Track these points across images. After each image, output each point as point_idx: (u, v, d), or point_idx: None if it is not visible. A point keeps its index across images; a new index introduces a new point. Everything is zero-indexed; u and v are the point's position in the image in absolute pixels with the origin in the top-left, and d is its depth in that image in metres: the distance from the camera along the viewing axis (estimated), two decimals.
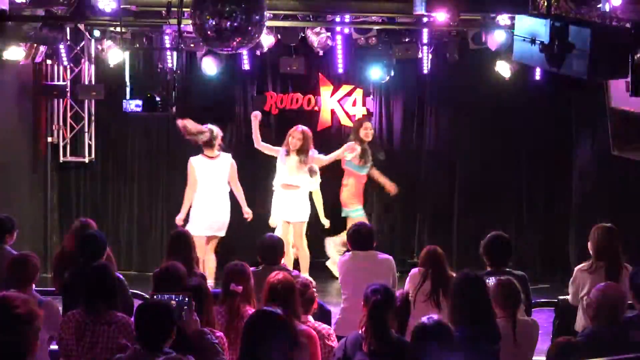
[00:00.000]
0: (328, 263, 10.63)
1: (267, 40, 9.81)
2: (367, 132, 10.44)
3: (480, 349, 4.99)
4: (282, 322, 4.32)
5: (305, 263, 9.76)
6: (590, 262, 6.69)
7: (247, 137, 10.31)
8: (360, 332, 5.06)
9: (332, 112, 11.38)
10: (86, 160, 11.31)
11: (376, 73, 10.44)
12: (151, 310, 4.61)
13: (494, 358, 5.08)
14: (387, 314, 5.08)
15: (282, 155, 9.82)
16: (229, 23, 6.62)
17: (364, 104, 11.37)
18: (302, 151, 9.71)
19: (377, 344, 4.89)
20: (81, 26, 9.44)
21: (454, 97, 11.18)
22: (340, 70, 10.89)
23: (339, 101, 11.37)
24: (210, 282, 9.28)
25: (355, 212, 10.38)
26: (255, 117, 9.88)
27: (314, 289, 5.92)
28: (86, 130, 11.28)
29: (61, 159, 11.27)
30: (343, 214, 10.49)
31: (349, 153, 10.20)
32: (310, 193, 10.02)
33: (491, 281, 5.79)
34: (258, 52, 10.28)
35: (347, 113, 11.36)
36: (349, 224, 9.30)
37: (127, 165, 11.51)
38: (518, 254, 8.85)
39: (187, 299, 4.82)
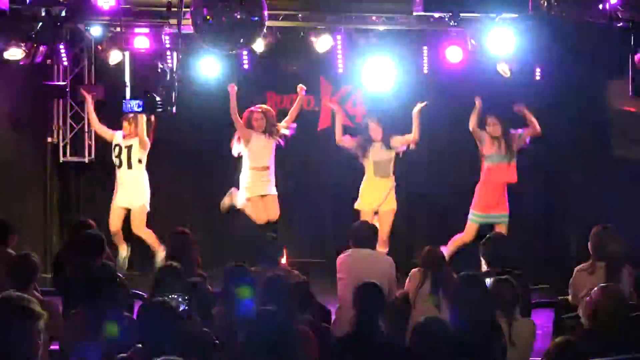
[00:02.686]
0: None
1: (266, 40, 9.81)
2: (492, 128, 10.03)
3: (480, 349, 4.99)
4: (277, 322, 4.33)
5: None
6: (590, 262, 6.70)
7: None
8: (350, 331, 5.06)
9: (332, 112, 11.35)
10: (86, 160, 11.29)
11: (376, 73, 10.42)
12: (153, 310, 4.61)
13: (494, 359, 5.09)
14: (376, 313, 5.06)
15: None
16: (229, 23, 6.63)
17: (364, 104, 11.35)
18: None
19: (366, 345, 4.88)
20: (81, 26, 9.43)
21: (454, 97, 11.16)
22: (341, 71, 10.87)
23: (338, 101, 11.34)
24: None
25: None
26: (232, 87, 10.04)
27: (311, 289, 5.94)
28: (86, 130, 11.26)
29: (61, 159, 11.24)
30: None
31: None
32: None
33: (490, 281, 5.80)
34: (258, 52, 10.27)
35: (347, 113, 11.34)
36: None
37: None
38: (518, 254, 8.83)
39: (188, 298, 4.82)
